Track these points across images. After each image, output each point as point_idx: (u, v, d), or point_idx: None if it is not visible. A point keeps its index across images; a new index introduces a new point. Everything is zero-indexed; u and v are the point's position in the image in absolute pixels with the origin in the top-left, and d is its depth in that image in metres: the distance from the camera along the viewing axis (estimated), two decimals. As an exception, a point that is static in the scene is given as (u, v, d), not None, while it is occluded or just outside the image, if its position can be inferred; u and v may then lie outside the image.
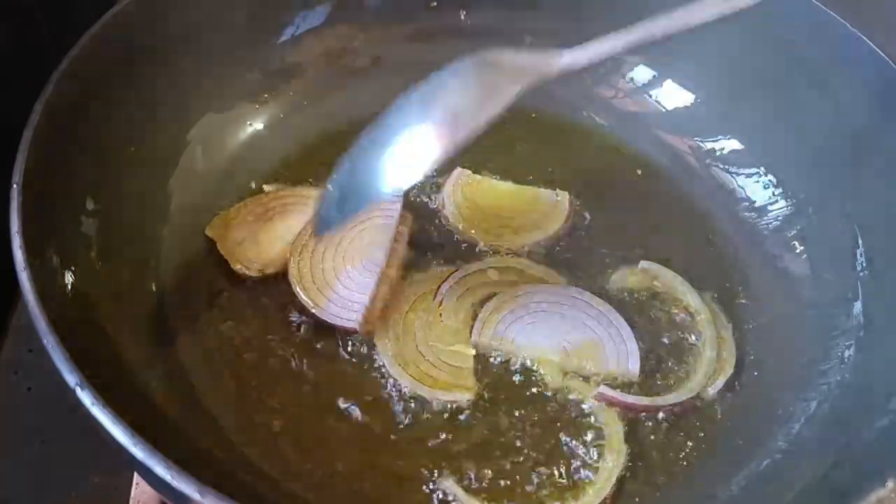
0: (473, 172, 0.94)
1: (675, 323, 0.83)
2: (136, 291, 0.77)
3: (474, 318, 0.81)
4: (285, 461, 0.72)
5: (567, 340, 0.79)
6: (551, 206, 0.92)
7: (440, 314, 0.81)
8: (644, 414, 0.76)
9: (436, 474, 0.71)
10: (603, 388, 0.76)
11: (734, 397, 0.79)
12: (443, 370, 0.77)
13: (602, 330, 0.80)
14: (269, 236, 0.85)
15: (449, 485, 0.71)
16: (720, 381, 0.79)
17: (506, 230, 0.89)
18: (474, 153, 0.94)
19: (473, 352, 0.79)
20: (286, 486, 0.70)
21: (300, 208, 0.88)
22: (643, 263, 0.87)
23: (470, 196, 0.92)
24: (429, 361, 0.77)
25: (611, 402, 0.76)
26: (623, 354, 0.79)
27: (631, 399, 0.76)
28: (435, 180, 0.93)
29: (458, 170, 0.93)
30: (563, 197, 0.92)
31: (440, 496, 0.70)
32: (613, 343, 0.80)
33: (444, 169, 0.92)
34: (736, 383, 0.80)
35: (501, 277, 0.85)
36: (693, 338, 0.82)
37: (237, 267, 0.83)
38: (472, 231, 0.89)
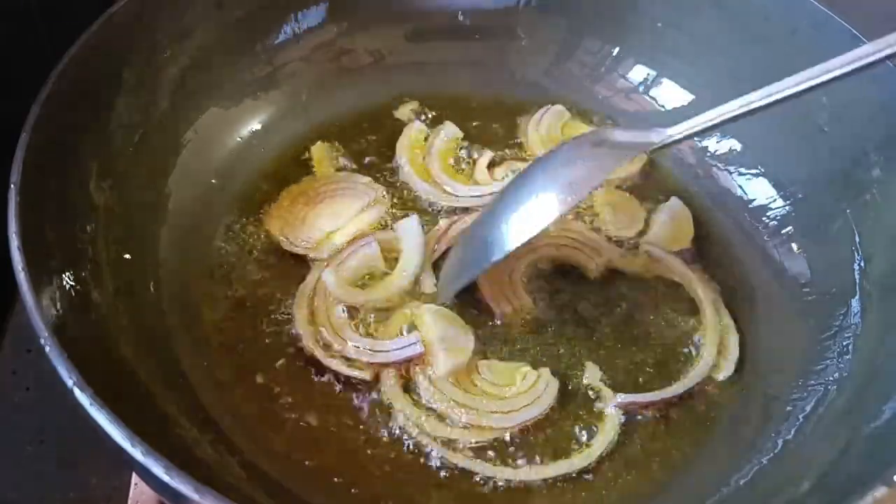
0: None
1: (678, 306, 0.85)
2: (134, 291, 0.76)
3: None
4: (287, 463, 0.72)
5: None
6: None
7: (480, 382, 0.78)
8: (648, 410, 0.78)
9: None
10: (621, 397, 0.77)
11: (733, 395, 0.79)
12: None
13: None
14: (318, 217, 0.88)
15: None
16: (730, 365, 0.80)
17: None
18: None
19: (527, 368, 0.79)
20: (286, 487, 0.70)
21: (350, 192, 0.91)
22: (646, 247, 0.89)
23: (554, 127, 0.99)
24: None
25: (632, 406, 0.77)
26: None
27: (647, 397, 0.77)
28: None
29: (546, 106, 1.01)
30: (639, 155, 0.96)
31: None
32: None
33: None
34: (734, 382, 0.80)
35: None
36: (695, 321, 0.84)
37: (283, 242, 0.86)
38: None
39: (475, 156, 0.97)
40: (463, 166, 0.96)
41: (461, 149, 0.98)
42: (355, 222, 0.88)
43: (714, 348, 0.82)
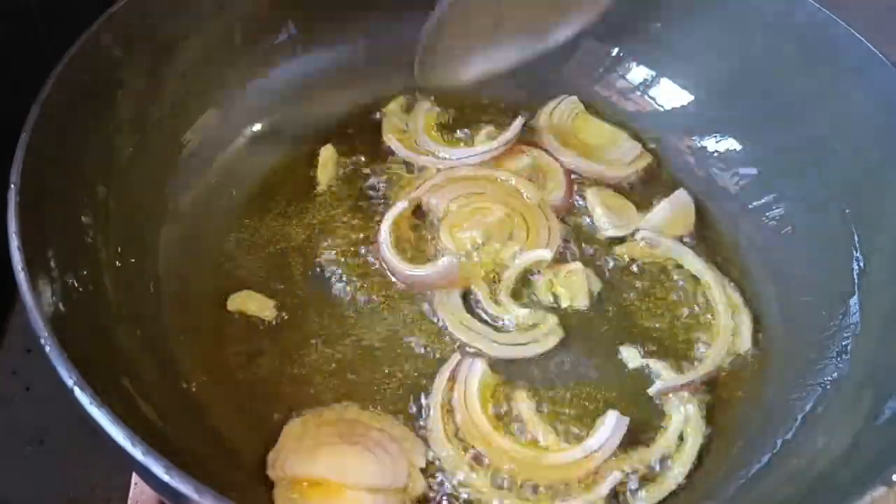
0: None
1: (684, 288, 0.86)
2: (134, 291, 0.76)
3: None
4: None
5: None
6: (625, 153, 0.98)
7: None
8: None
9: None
10: (659, 385, 0.77)
11: (732, 395, 0.79)
12: None
13: None
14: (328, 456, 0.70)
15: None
16: (747, 337, 0.82)
17: (580, 153, 0.97)
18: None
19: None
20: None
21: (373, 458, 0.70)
22: (641, 233, 0.89)
23: (565, 118, 1.01)
24: None
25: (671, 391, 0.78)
26: None
27: (684, 379, 0.78)
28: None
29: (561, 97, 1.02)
30: (643, 155, 0.98)
31: None
32: None
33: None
34: (734, 382, 0.80)
35: None
36: (704, 300, 0.85)
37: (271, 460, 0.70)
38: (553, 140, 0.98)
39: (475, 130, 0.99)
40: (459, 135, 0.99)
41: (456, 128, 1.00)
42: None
43: (728, 325, 0.82)
